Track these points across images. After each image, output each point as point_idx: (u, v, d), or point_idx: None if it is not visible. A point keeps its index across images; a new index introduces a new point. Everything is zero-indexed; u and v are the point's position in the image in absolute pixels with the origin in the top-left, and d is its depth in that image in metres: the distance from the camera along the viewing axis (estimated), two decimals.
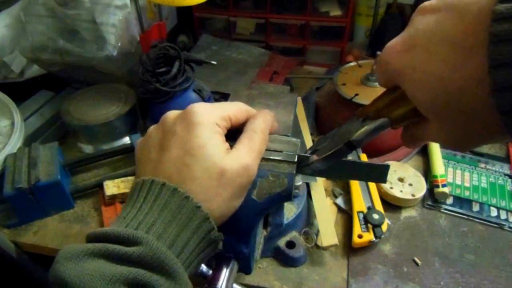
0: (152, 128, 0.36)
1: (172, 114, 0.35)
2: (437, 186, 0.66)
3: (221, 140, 0.33)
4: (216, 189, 0.31)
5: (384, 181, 0.41)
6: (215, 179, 0.31)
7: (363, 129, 0.34)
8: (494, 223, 0.63)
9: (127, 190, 0.68)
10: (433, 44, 0.25)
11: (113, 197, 0.68)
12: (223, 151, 0.33)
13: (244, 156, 0.34)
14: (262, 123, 0.37)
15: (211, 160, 0.31)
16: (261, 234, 0.51)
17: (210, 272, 0.44)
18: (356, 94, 0.73)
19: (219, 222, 0.33)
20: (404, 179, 0.68)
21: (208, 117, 0.33)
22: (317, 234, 0.61)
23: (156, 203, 0.30)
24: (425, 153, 0.76)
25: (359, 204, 0.63)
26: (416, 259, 0.58)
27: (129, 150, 0.76)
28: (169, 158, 0.32)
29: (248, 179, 0.34)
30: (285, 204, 0.55)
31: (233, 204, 0.34)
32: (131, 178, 0.70)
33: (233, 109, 0.36)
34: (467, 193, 0.68)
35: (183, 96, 0.76)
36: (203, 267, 0.43)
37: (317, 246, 0.60)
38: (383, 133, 0.37)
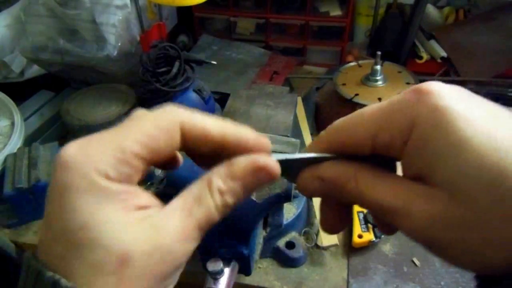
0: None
1: (67, 150, 0.22)
2: None
3: (118, 206, 0.20)
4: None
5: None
6: (112, 273, 0.19)
7: None
8: None
9: None
10: None
11: None
12: (124, 225, 0.20)
13: (169, 231, 0.20)
14: (240, 168, 0.22)
15: (102, 248, 0.19)
16: (260, 234, 0.51)
17: None
18: (356, 94, 0.73)
19: None
20: None
21: (88, 169, 0.20)
22: (317, 234, 0.61)
23: None
24: None
25: None
26: (416, 259, 0.58)
27: None
28: (47, 236, 0.20)
29: (173, 263, 0.21)
30: (285, 204, 0.55)
31: None
32: None
33: (148, 134, 0.21)
34: None
35: (183, 96, 0.76)
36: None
37: (317, 246, 0.60)
38: None
